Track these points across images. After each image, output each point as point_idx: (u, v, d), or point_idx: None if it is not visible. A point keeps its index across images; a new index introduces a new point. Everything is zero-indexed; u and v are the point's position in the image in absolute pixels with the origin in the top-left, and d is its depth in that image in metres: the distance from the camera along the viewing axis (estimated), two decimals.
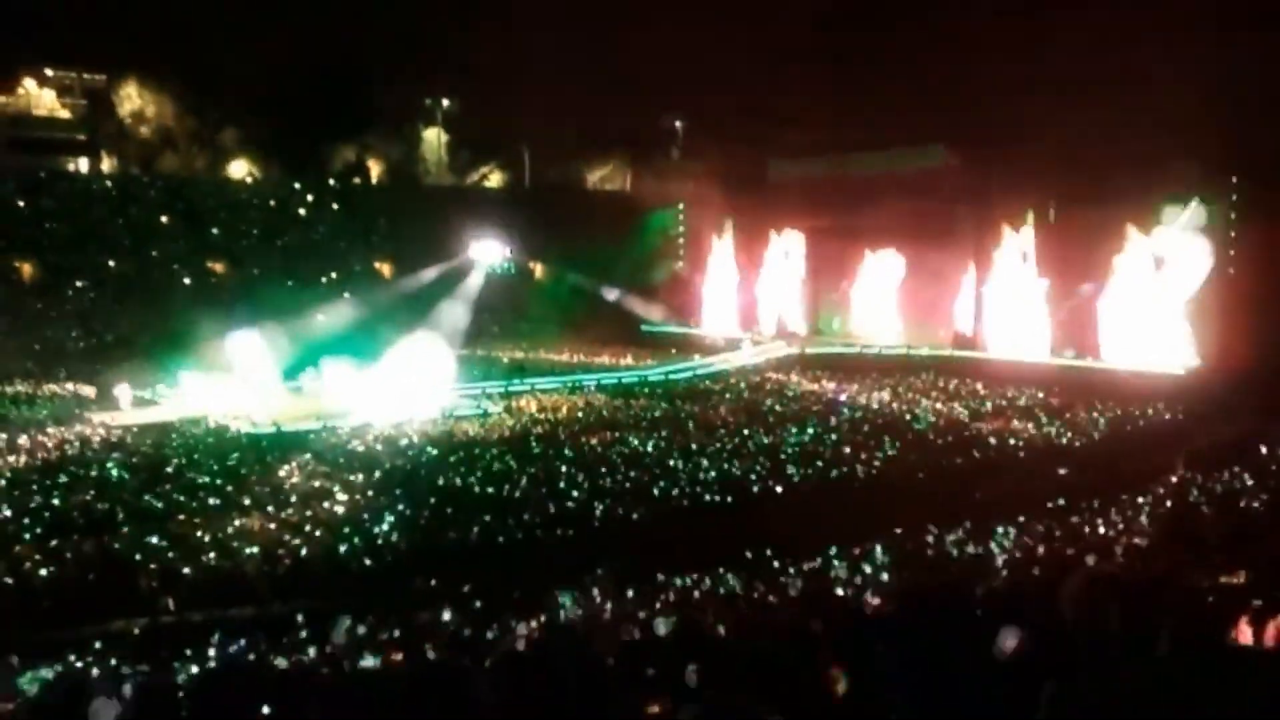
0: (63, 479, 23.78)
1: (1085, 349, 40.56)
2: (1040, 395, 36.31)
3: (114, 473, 24.59)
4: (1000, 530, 18.85)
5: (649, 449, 27.47)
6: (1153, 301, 38.82)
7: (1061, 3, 50.97)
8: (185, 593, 16.59)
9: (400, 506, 21.21)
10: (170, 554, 18.16)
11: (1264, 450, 24.37)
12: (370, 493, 22.60)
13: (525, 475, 24.24)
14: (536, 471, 24.65)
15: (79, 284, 51.07)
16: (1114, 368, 38.79)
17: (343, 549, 18.75)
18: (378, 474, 24.35)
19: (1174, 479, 22.76)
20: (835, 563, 17.42)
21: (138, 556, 17.98)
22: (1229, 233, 38.69)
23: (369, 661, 11.12)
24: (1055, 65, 47.02)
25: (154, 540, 18.75)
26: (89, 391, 36.69)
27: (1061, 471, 25.16)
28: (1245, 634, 4.69)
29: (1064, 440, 29.28)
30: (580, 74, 62.08)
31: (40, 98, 59.31)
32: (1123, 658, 3.83)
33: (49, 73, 59.83)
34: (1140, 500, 20.77)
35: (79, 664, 12.83)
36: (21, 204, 52.48)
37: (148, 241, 54.14)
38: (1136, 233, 39.49)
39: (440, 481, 23.78)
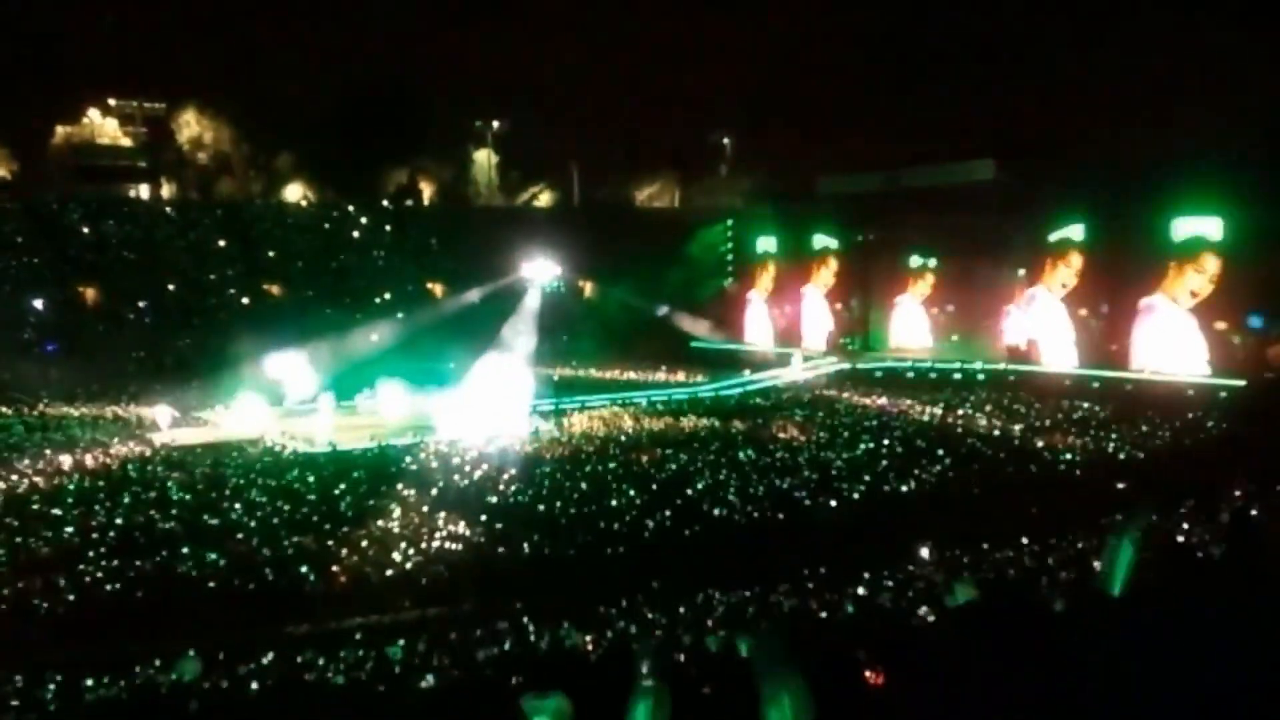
0: (125, 498, 24.34)
1: (1137, 361, 39.97)
2: (1095, 408, 35.82)
3: (173, 491, 25.09)
4: (1055, 544, 18.63)
5: (700, 465, 27.48)
6: (1208, 311, 38.18)
7: (1108, 17, 50.51)
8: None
9: (456, 525, 21.42)
10: (227, 571, 18.52)
11: None
12: (427, 510, 22.82)
13: (577, 491, 24.38)
14: (588, 487, 24.79)
15: (140, 306, 52.20)
16: (1170, 379, 38.17)
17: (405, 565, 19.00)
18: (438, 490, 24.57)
19: (1235, 493, 22.33)
20: (885, 578, 17.31)
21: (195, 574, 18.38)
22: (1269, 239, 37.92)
23: (428, 680, 11.27)
24: (1103, 77, 46.64)
25: (212, 557, 19.13)
26: (148, 413, 37.44)
27: (1120, 486, 24.79)
28: None
29: (1122, 454, 28.87)
30: (628, 93, 62.65)
31: (103, 126, 60.93)
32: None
33: (111, 102, 61.43)
34: (1200, 514, 20.41)
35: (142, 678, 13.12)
36: (85, 230, 53.79)
37: (205, 265, 55.22)
38: (1186, 244, 38.89)
39: (493, 500, 23.97)
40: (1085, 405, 36.44)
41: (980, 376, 43.12)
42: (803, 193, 58.64)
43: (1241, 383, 36.16)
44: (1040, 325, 44.26)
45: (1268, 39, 41.58)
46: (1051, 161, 46.62)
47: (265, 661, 13.85)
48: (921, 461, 27.47)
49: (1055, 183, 43.57)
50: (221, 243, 56.47)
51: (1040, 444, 30.24)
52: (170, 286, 53.62)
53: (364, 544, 20.16)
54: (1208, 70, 42.19)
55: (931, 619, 13.74)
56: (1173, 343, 39.16)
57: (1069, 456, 28.59)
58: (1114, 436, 30.85)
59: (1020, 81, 52.10)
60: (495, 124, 68.06)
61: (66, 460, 29.45)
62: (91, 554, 19.60)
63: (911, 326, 51.05)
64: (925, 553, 18.53)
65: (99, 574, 18.46)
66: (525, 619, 15.62)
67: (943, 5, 57.40)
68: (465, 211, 66.42)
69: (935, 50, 56.29)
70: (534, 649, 13.62)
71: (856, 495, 24.38)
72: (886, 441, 30.61)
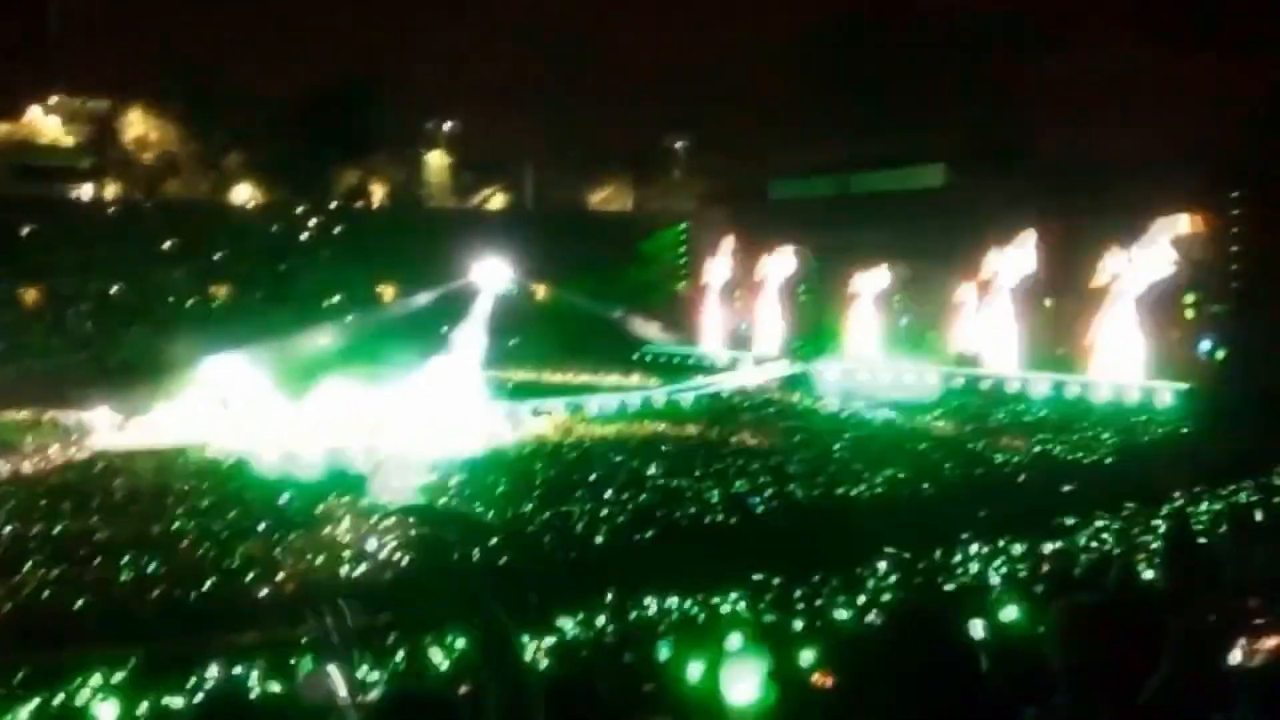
0: (64, 504, 23.80)
1: (1087, 365, 40.52)
2: (1043, 412, 36.29)
3: (114, 497, 24.60)
4: (1003, 548, 18.78)
5: (652, 470, 27.42)
6: (1153, 316, 38.79)
7: (1060, 22, 51.19)
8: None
9: (408, 530, 21.15)
10: (169, 579, 18.15)
11: (1268, 465, 24.27)
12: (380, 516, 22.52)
13: (531, 498, 24.23)
14: (542, 493, 24.64)
15: (81, 309, 51.17)
16: (1118, 383, 38.73)
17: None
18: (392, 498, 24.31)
19: (1179, 495, 22.67)
20: (834, 582, 17.34)
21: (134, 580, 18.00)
22: (1232, 247, 38.64)
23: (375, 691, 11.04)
24: (1054, 83, 47.28)
25: (154, 564, 18.75)
26: (90, 417, 36.67)
27: (1066, 488, 25.09)
28: (1239, 656, 4.66)
29: (1069, 457, 29.23)
30: (582, 95, 62.44)
31: (45, 125, 59.65)
32: (1107, 685, 3.80)
33: (53, 100, 60.18)
34: (1145, 517, 20.70)
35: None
36: (25, 231, 52.63)
37: (150, 267, 54.26)
38: (1137, 248, 39.50)
39: (445, 504, 23.72)
40: (1034, 409, 36.90)
41: (930, 380, 43.48)
42: (756, 196, 58.85)
43: (1187, 386, 36.80)
44: (990, 330, 44.70)
45: (1216, 48, 42.40)
46: (1002, 167, 47.17)
47: (208, 673, 13.56)
48: (873, 465, 27.62)
49: (1006, 188, 44.08)
50: (167, 243, 55.50)
51: (989, 447, 30.57)
52: (113, 288, 52.64)
53: (312, 551, 19.87)
54: (1156, 76, 42.88)
55: (880, 624, 13.80)
56: (1123, 347, 39.71)
57: (1016, 460, 28.91)
58: (1061, 440, 31.25)
59: (972, 88, 52.61)
60: (448, 125, 67.55)
61: (2, 466, 28.78)
62: (28, 563, 19.12)
63: (863, 331, 51.32)
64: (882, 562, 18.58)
65: (35, 583, 18.00)
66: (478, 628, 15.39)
67: (894, 11, 57.88)
68: (417, 213, 65.83)
69: (887, 55, 56.74)
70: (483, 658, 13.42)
71: (810, 499, 24.45)
72: (838, 446, 30.77)
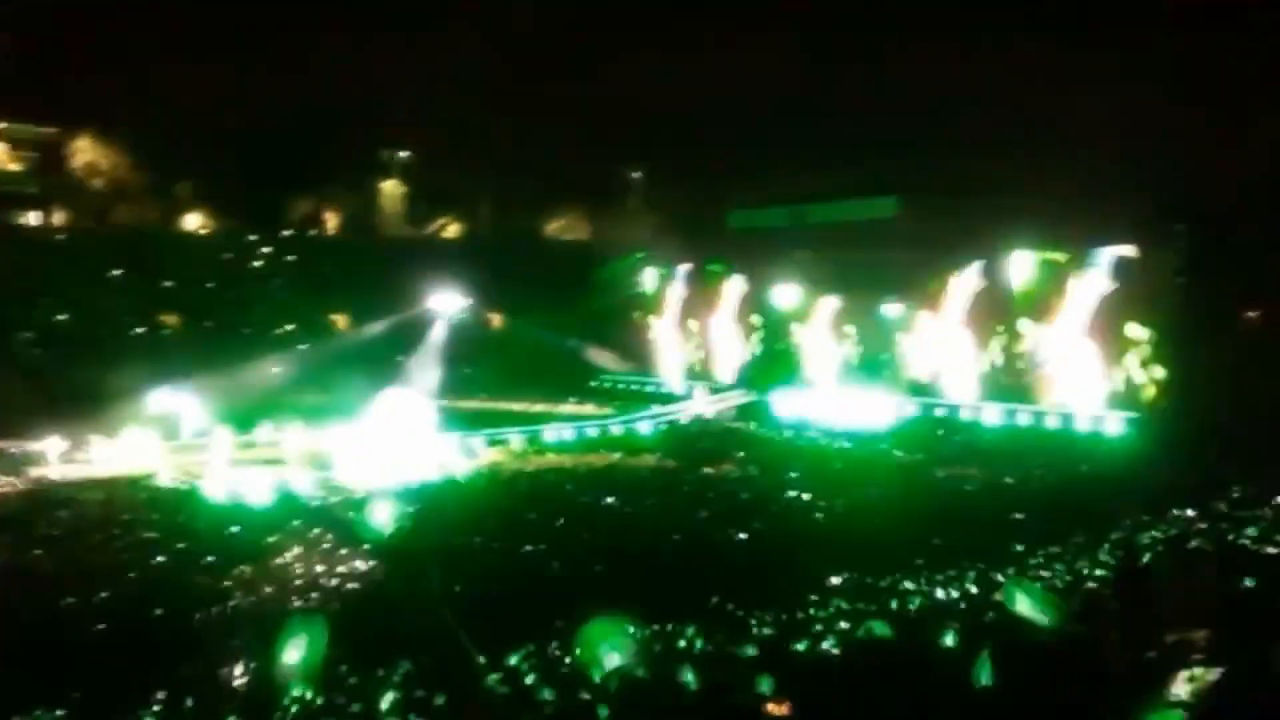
0: (4, 537, 23.29)
1: (1037, 394, 41.08)
2: (995, 441, 36.71)
3: (57, 529, 24.12)
4: (956, 577, 18.90)
5: (608, 500, 27.36)
6: (1099, 345, 39.42)
7: (1009, 57, 52.10)
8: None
9: (354, 562, 20.93)
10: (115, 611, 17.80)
11: (1216, 495, 24.69)
12: (328, 549, 22.28)
13: (484, 528, 24.06)
14: (495, 523, 24.48)
15: (28, 337, 50.27)
16: (1069, 413, 39.29)
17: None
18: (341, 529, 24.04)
19: (1128, 523, 22.98)
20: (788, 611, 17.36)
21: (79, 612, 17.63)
22: (1175, 276, 39.39)
23: None
24: (1004, 118, 48.11)
25: (99, 596, 18.38)
26: (37, 447, 35.99)
27: (1018, 517, 25.34)
28: (1182, 690, 4.74)
29: (1020, 486, 29.56)
30: (538, 125, 62.56)
31: None
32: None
33: (0, 126, 59.32)
34: (1094, 546, 20.94)
35: None
36: None
37: (99, 294, 53.47)
38: (1085, 280, 40.17)
39: (389, 536, 23.54)
40: (985, 438, 37.32)
41: (886, 409, 43.87)
42: (711, 226, 59.20)
43: (1133, 415, 37.41)
44: (940, 359, 45.17)
45: (1164, 80, 43.40)
46: (953, 199, 47.84)
47: (155, 706, 13.31)
48: (827, 493, 27.76)
49: (956, 219, 44.70)
50: (116, 271, 54.75)
51: (942, 475, 30.85)
52: (61, 316, 51.78)
53: (261, 584, 19.58)
54: (1107, 110, 43.79)
55: (836, 653, 13.81)
56: (1074, 376, 40.27)
57: (968, 488, 29.20)
58: (1013, 468, 31.60)
59: (924, 122, 53.41)
60: (403, 154, 67.35)
61: None
62: None
63: (818, 360, 51.64)
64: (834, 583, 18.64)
65: None
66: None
67: (849, 46, 58.68)
68: (371, 242, 65.50)
69: (842, 89, 57.46)
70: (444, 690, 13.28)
71: (764, 527, 24.50)
72: (794, 474, 30.89)
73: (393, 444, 32.68)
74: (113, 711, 12.84)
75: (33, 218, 58.61)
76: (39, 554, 21.66)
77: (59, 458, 33.76)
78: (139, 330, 52.88)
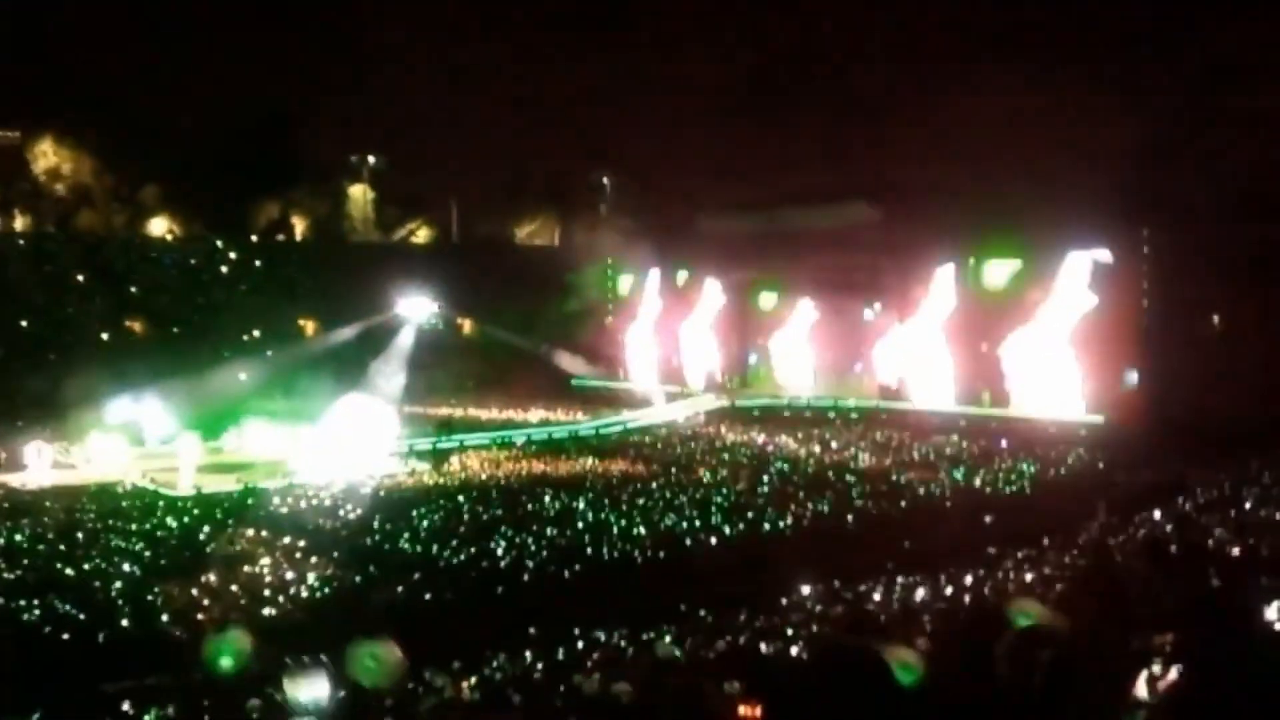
0: None
1: (1006, 399, 41.39)
2: (964, 444, 36.92)
3: (25, 537, 23.76)
4: (927, 579, 18.97)
5: (579, 504, 27.29)
6: (1068, 349, 39.76)
7: (974, 63, 52.60)
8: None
9: (328, 569, 20.76)
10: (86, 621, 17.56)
11: (1181, 496, 24.94)
12: (297, 555, 22.10)
13: (456, 533, 23.93)
14: (466, 529, 24.36)
15: None
16: (1035, 417, 39.61)
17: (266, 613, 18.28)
18: (305, 535, 23.83)
19: (1095, 525, 23.15)
20: (762, 616, 17.37)
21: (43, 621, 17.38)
22: (1141, 281, 39.83)
23: None
24: (970, 122, 48.52)
25: (68, 608, 18.11)
26: (1, 454, 35.50)
27: (987, 519, 25.49)
28: (1142, 689, 4.77)
29: (989, 489, 29.74)
30: (507, 130, 62.55)
31: None
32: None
33: None
34: (1063, 548, 21.09)
35: None
36: None
37: (63, 300, 52.86)
38: (1049, 282, 40.54)
39: (368, 541, 23.39)
40: (954, 441, 37.52)
41: (854, 414, 44.11)
42: (682, 231, 59.29)
43: (1101, 419, 37.77)
44: (911, 364, 45.44)
45: (1134, 85, 43.95)
46: (922, 204, 48.21)
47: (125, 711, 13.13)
48: (798, 498, 27.83)
49: (922, 224, 45.05)
50: (80, 277, 54.13)
51: (912, 479, 30.98)
52: (23, 322, 51.11)
53: (229, 591, 19.39)
54: (1072, 115, 44.28)
55: (806, 655, 13.82)
56: (1042, 379, 40.56)
57: (938, 491, 29.35)
58: (982, 472, 31.79)
59: (891, 127, 53.82)
60: (371, 159, 67.03)
61: None
62: None
63: (788, 365, 51.83)
64: (804, 589, 18.66)
65: None
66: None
67: (819, 49, 59.04)
68: (339, 247, 65.18)
69: (812, 92, 57.79)
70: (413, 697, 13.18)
71: (735, 532, 24.52)
72: (765, 478, 30.96)
73: (352, 449, 32.52)
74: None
75: None
76: (0, 563, 21.32)
77: (23, 464, 33.26)
78: (104, 336, 52.29)
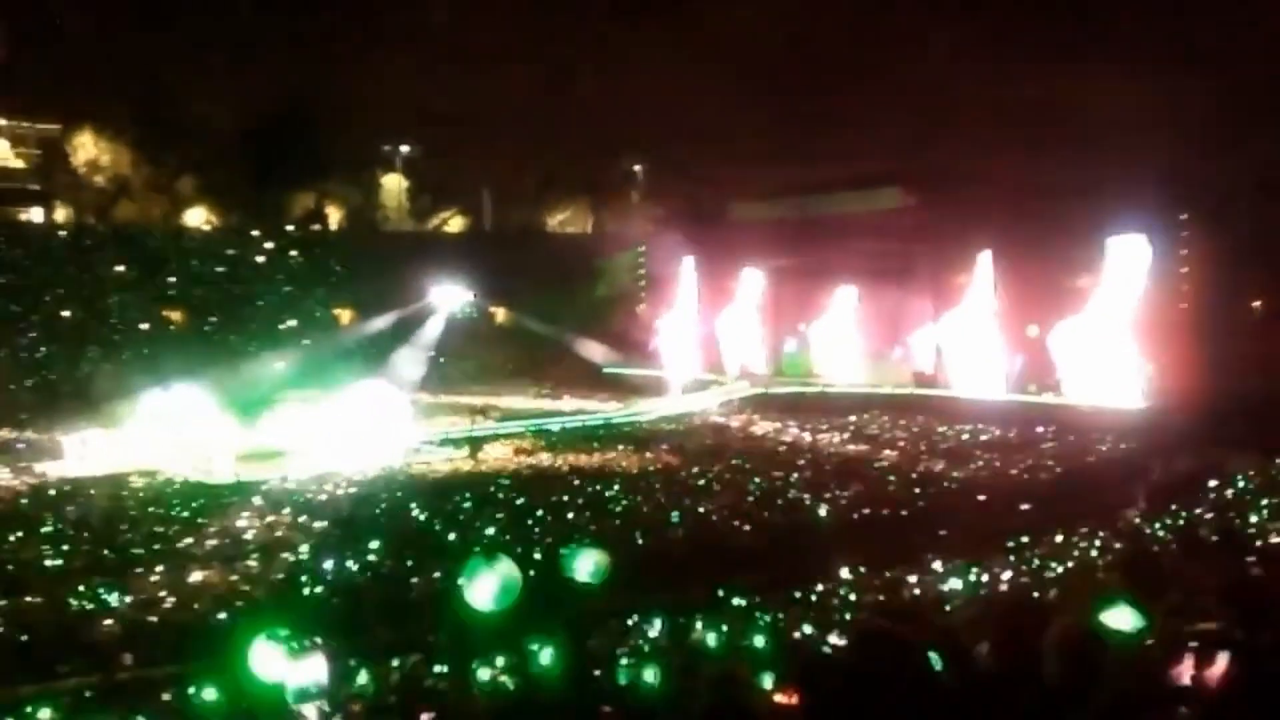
0: (14, 532, 23.32)
1: (1044, 386, 41.03)
2: (1000, 432, 36.64)
3: (67, 524, 24.14)
4: (963, 568, 18.86)
5: (611, 492, 27.35)
6: (1106, 336, 39.37)
7: (1011, 48, 52.05)
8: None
9: (360, 554, 20.93)
10: (128, 608, 17.81)
11: (1220, 483, 24.64)
12: (327, 540, 22.32)
13: (487, 520, 24.06)
14: (498, 516, 24.49)
15: (32, 334, 50.33)
16: (1073, 403, 39.24)
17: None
18: (334, 522, 24.07)
19: (1133, 513, 22.95)
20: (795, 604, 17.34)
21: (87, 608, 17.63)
22: (1180, 268, 39.38)
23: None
24: (1006, 107, 48.02)
25: (108, 592, 18.38)
26: (42, 441, 36.07)
27: (1024, 507, 25.31)
28: (1184, 677, 4.72)
29: (1026, 476, 29.52)
30: (541, 117, 62.55)
31: None
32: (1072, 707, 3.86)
33: (1, 122, 59.34)
34: (1101, 535, 20.90)
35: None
36: None
37: (103, 290, 53.54)
38: (1088, 269, 40.14)
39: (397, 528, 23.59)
40: (991, 428, 37.24)
41: (890, 401, 43.85)
42: (716, 218, 59.18)
43: (1140, 406, 37.37)
44: (946, 351, 45.18)
45: (1168, 72, 43.31)
46: (954, 190, 47.81)
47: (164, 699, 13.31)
48: (833, 485, 27.75)
49: (958, 210, 44.68)
50: (119, 268, 54.80)
51: (948, 466, 30.81)
52: (65, 313, 51.83)
53: (267, 577, 19.61)
54: (1109, 99, 43.71)
55: (842, 644, 13.79)
56: (1080, 367, 40.20)
57: (975, 478, 29.16)
58: (1018, 460, 31.56)
59: (927, 112, 53.37)
60: (405, 148, 67.33)
61: None
62: None
63: (824, 351, 51.69)
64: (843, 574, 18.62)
65: None
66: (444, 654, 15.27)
67: (853, 33, 58.59)
68: (374, 236, 65.55)
69: (846, 78, 57.37)
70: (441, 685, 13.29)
71: (771, 520, 24.48)
72: (801, 463, 30.91)
73: (366, 436, 32.83)
74: (126, 707, 12.83)
75: (36, 214, 58.67)
76: (46, 549, 21.67)
77: (65, 453, 33.75)
78: (143, 326, 52.93)
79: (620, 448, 35.22)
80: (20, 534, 23.18)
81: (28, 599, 18.26)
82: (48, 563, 20.77)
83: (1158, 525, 21.41)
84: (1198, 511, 22.19)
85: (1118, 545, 19.61)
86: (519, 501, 26.41)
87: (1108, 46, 48.86)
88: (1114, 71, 45.73)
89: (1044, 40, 50.60)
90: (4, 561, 20.90)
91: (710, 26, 61.57)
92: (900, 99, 54.94)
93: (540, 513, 24.76)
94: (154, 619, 17.42)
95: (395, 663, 14.35)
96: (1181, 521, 21.41)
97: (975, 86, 50.78)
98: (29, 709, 12.84)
